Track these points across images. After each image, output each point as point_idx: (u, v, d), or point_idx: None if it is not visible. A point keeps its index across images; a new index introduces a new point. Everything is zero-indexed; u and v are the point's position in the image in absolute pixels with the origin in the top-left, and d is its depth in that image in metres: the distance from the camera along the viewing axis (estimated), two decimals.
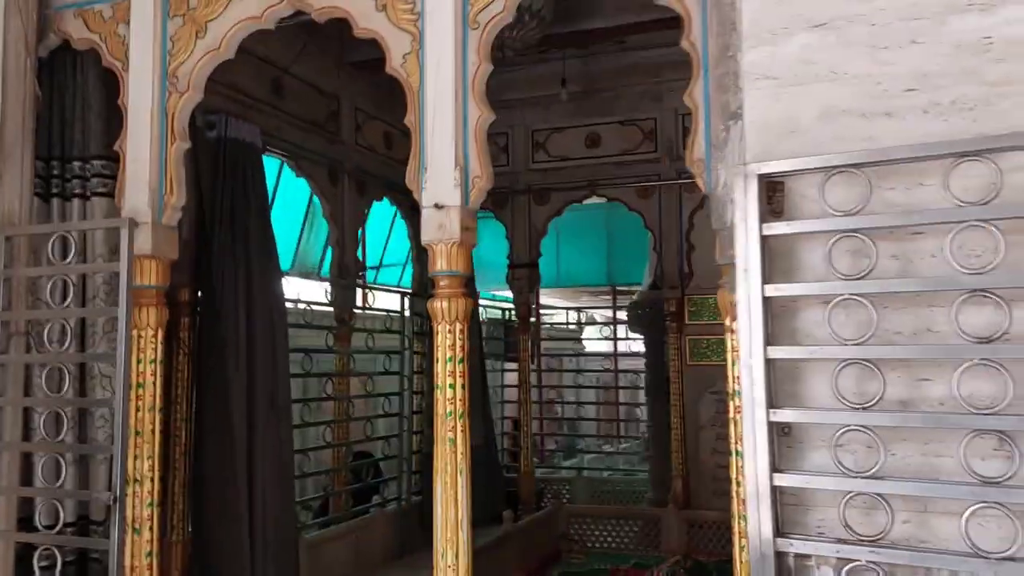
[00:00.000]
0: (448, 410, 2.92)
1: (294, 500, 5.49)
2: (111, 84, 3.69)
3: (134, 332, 3.30)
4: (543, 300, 9.80)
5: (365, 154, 7.02)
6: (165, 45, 3.40)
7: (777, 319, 2.32)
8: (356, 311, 6.75)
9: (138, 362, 3.26)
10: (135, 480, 3.21)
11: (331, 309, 6.54)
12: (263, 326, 5.02)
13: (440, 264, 2.95)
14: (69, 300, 3.30)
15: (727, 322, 2.58)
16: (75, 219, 3.65)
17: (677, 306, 7.02)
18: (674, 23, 6.18)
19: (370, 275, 7.15)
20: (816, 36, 2.33)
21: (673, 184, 7.10)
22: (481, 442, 7.42)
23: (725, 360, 6.86)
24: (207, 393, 4.78)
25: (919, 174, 2.20)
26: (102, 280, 3.57)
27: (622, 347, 11.79)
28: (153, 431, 3.29)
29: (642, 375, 10.75)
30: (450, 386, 2.91)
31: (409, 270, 10.58)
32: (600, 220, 12.21)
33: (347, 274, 6.74)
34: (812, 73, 2.33)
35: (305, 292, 8.01)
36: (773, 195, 2.34)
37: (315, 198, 7.36)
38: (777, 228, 2.26)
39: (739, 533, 2.52)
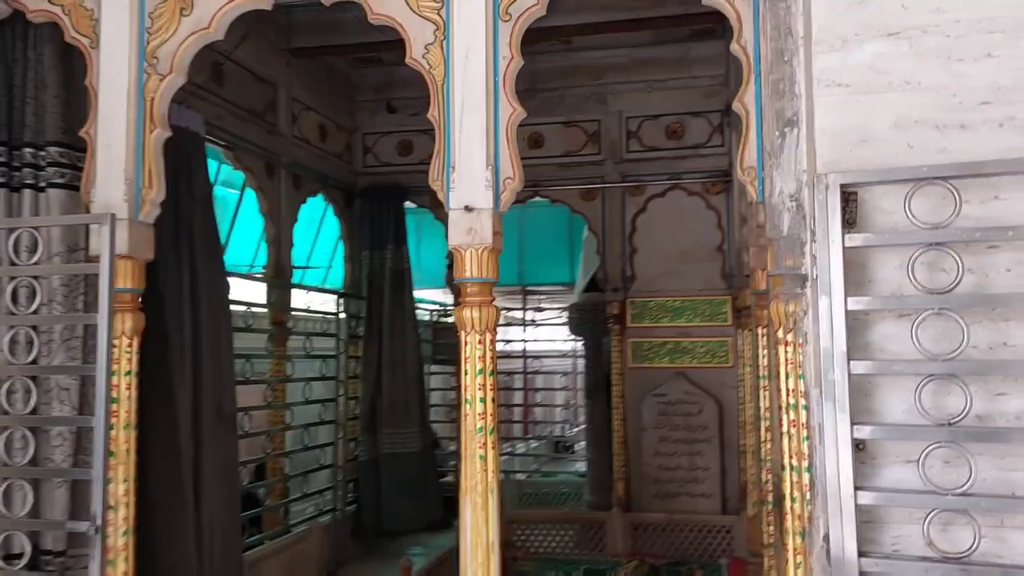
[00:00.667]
0: (479, 425, 2.73)
1: (240, 516, 5.13)
2: (70, 62, 3.30)
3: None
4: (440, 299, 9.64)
5: (302, 147, 6.67)
6: (143, 21, 3.04)
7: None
8: (296, 314, 6.40)
9: (112, 374, 2.90)
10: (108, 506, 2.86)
11: (266, 310, 6.17)
12: (209, 328, 4.65)
13: (469, 270, 2.76)
14: (36, 305, 2.89)
15: (780, 333, 2.52)
16: (26, 212, 3.23)
17: (620, 309, 7.02)
18: (623, 26, 6.25)
19: (295, 275, 6.77)
20: (889, 45, 2.30)
21: (617, 187, 7.10)
22: (419, 448, 7.22)
23: (671, 363, 6.83)
24: (152, 403, 4.36)
25: (994, 188, 2.20)
26: (60, 283, 3.17)
27: (551, 347, 11.80)
28: (128, 451, 2.95)
29: (570, 375, 10.84)
30: (480, 399, 2.73)
31: (336, 271, 10.21)
32: (513, 221, 12.15)
33: (283, 274, 6.38)
34: (885, 82, 2.30)
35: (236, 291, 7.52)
36: (845, 205, 2.29)
37: (247, 191, 6.96)
38: (858, 240, 2.21)
39: (794, 550, 2.46)
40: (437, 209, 7.47)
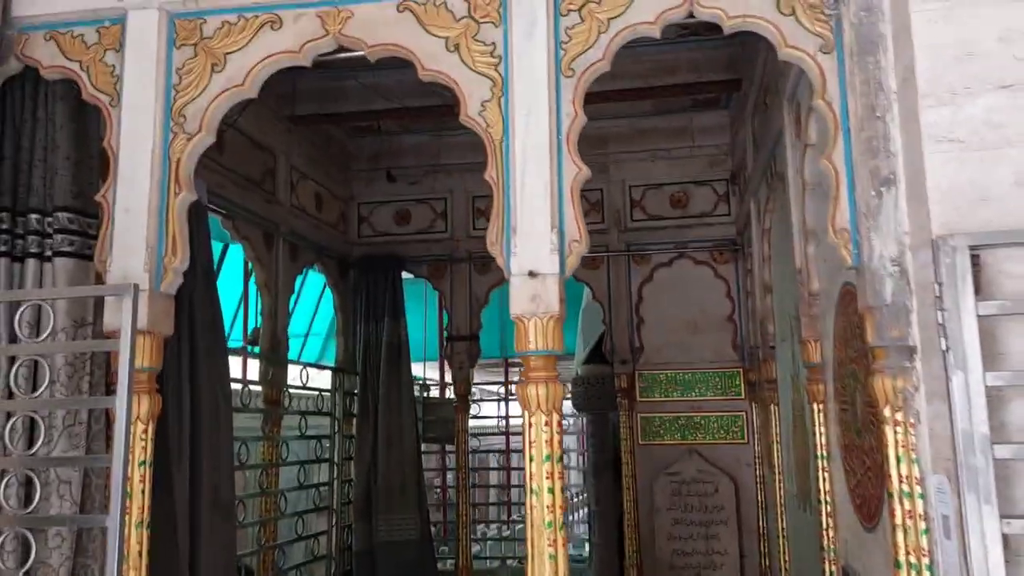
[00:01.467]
0: (547, 520, 2.43)
1: None
2: (83, 122, 3.04)
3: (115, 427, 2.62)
4: (424, 373, 9.25)
5: (299, 216, 6.42)
6: (170, 78, 2.81)
7: None
8: (292, 391, 6.04)
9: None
10: None
11: (260, 388, 5.80)
12: (209, 410, 4.31)
13: (533, 341, 2.50)
14: (43, 388, 2.55)
15: (887, 412, 2.28)
16: (29, 284, 2.91)
17: (628, 382, 6.76)
18: (628, 94, 6.18)
19: (292, 351, 6.44)
20: (1004, 98, 2.15)
21: (621, 255, 6.93)
22: (417, 536, 6.79)
23: (683, 440, 6.54)
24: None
25: None
26: (64, 362, 2.84)
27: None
28: (140, 553, 2.59)
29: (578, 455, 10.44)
30: (548, 490, 2.44)
31: (317, 344, 9.83)
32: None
33: (279, 348, 6.04)
34: (1002, 137, 2.14)
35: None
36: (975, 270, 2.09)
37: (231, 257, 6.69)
38: (992, 308, 2.00)
39: None
40: (436, 279, 7.33)
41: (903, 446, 2.25)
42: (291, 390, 6.02)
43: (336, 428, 6.62)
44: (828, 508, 3.47)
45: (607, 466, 7.13)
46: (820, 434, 3.54)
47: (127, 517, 2.55)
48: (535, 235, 2.54)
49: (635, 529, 6.56)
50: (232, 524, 4.67)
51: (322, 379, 6.78)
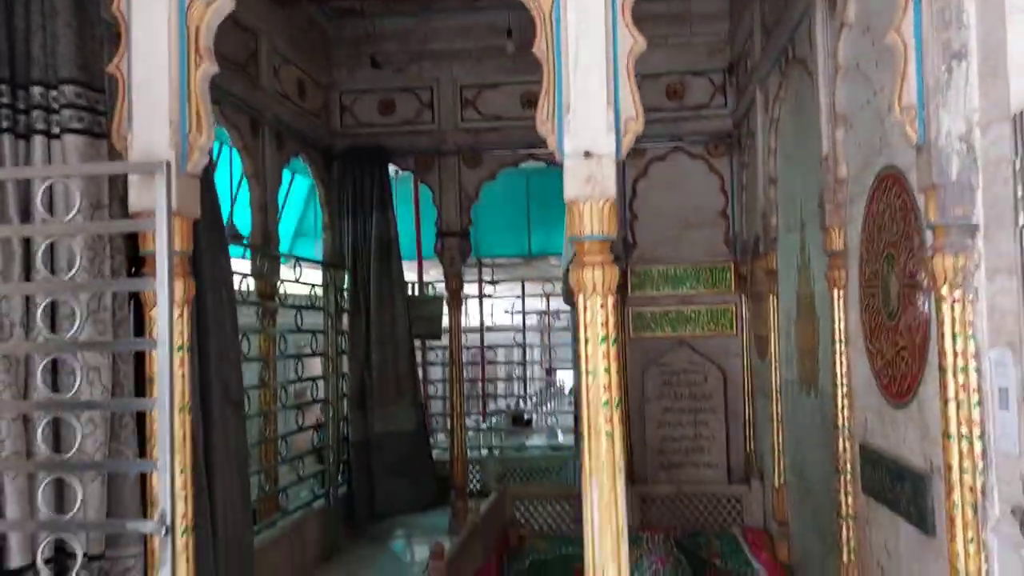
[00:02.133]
0: (603, 399, 2.42)
1: (250, 502, 4.71)
2: None
3: (151, 314, 2.53)
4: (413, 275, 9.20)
5: (283, 103, 6.16)
6: None
7: None
8: (286, 285, 5.93)
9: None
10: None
11: (253, 282, 5.68)
12: (214, 307, 4.20)
13: (588, 226, 2.43)
14: (75, 270, 2.42)
15: (944, 290, 2.28)
16: (38, 162, 2.73)
17: (620, 277, 6.74)
18: None
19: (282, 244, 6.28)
20: None
21: None
22: (412, 427, 6.86)
23: (667, 332, 6.57)
24: None
25: None
26: (84, 245, 2.70)
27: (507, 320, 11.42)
28: (184, 437, 2.54)
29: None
30: (604, 370, 2.42)
31: (308, 245, 9.64)
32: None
33: (271, 242, 5.90)
34: None
35: None
36: None
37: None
38: None
39: (963, 524, 2.25)
40: (424, 173, 7.15)
41: (960, 323, 2.26)
42: (285, 284, 5.91)
43: (330, 323, 6.55)
44: (844, 390, 3.54)
45: None
46: (839, 320, 3.57)
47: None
48: (591, 113, 2.43)
49: (626, 418, 6.70)
50: (242, 416, 4.64)
51: (315, 277, 6.67)
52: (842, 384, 3.56)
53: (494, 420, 11.98)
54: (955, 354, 2.28)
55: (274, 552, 5.28)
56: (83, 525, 2.49)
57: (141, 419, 2.90)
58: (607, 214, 2.43)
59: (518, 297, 10.42)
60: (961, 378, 2.27)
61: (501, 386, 13.18)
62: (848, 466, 3.50)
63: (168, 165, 2.37)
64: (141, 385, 2.73)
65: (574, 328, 8.31)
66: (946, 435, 2.29)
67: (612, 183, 2.43)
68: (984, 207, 2.23)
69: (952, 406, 2.28)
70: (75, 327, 2.41)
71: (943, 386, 2.30)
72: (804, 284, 4.46)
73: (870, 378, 3.24)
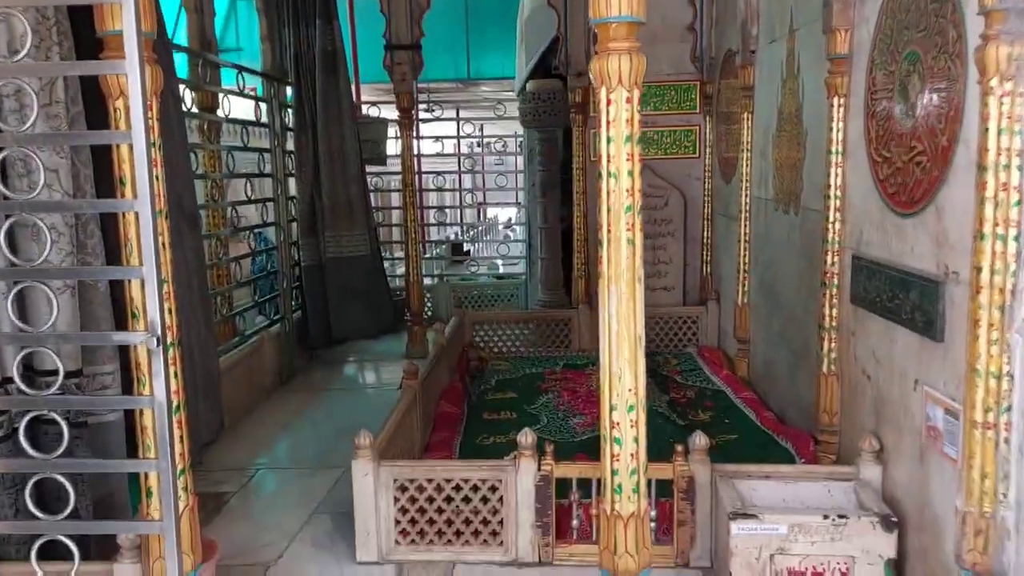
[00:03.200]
0: (626, 203, 2.27)
1: (213, 322, 4.53)
2: None
3: (116, 105, 2.21)
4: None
5: None
6: None
7: None
8: (229, 100, 5.47)
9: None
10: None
11: (192, 94, 5.21)
12: (160, 116, 3.81)
13: (616, 5, 2.17)
14: (23, 53, 2.05)
15: (993, 83, 2.15)
16: None
17: (583, 96, 6.49)
18: None
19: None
20: None
21: None
22: (367, 252, 6.67)
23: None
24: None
25: None
26: (28, 28, 2.30)
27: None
28: (164, 244, 2.30)
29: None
30: (628, 172, 2.25)
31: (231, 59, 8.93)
32: None
33: (209, 48, 5.38)
34: None
35: None
36: None
37: None
38: None
39: (989, 324, 2.23)
40: None
41: (1008, 117, 2.15)
42: (228, 97, 5.45)
43: (276, 142, 6.14)
44: (837, 203, 3.48)
45: (555, 184, 7.05)
46: (837, 129, 3.45)
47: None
48: None
49: (584, 244, 6.64)
50: (199, 233, 4.38)
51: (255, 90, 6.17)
52: (835, 197, 3.49)
53: (437, 250, 11.90)
54: (999, 151, 2.18)
55: (232, 376, 5.16)
56: (64, 337, 2.27)
57: (107, 232, 2.64)
58: None
59: (452, 122, 9.98)
60: (1003, 176, 2.18)
61: (434, 216, 12.95)
62: (835, 279, 3.50)
63: None
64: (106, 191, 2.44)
65: (529, 154, 8.08)
66: (979, 236, 2.23)
67: None
68: None
69: (989, 206, 2.21)
70: (30, 121, 2.09)
71: (980, 186, 2.22)
72: (789, 97, 4.30)
73: (871, 189, 3.16)
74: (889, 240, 3.00)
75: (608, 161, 2.26)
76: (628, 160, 2.25)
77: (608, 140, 2.26)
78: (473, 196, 13.87)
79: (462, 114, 10.38)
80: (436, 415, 4.76)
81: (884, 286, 3.00)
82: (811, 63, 3.94)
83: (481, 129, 10.31)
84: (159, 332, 2.07)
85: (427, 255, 10.80)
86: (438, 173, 9.28)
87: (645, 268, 6.58)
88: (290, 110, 6.40)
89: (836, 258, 3.50)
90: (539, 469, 3.18)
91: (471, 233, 15.24)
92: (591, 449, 4.09)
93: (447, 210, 12.88)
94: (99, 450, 2.66)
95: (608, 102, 2.24)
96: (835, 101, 3.46)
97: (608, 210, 2.29)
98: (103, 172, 2.50)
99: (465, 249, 14.09)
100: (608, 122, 2.25)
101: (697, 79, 6.48)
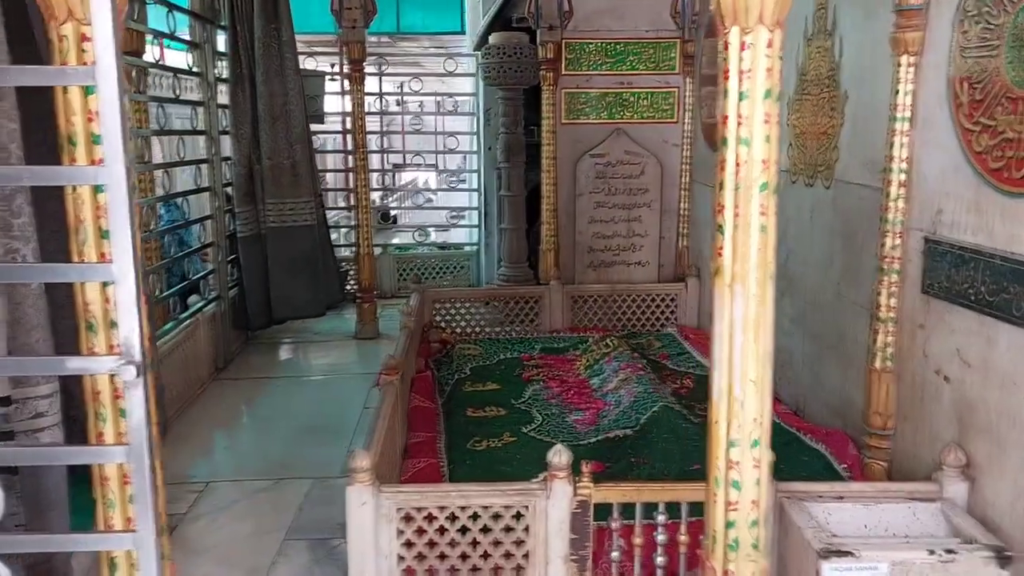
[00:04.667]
0: (760, 180, 1.74)
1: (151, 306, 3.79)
2: None
3: (62, 32, 1.54)
4: None
5: None
6: None
7: None
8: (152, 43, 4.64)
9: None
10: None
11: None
12: None
13: None
14: None
15: None
16: None
17: (555, 51, 5.90)
18: None
19: None
20: None
21: None
22: (312, 221, 5.97)
23: (610, 119, 6.12)
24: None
25: None
26: None
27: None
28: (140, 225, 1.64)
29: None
30: (765, 138, 1.72)
31: None
32: None
33: None
34: None
35: None
36: None
37: None
38: None
39: None
40: None
41: None
42: (152, 40, 4.62)
43: (209, 94, 5.33)
44: (901, 177, 3.05)
45: (519, 148, 6.46)
46: (905, 93, 3.00)
47: None
48: None
49: (554, 213, 6.10)
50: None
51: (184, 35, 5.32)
52: (899, 171, 3.05)
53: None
54: None
55: (165, 367, 4.43)
56: None
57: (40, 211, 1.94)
58: None
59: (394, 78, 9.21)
60: None
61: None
62: (896, 264, 3.08)
63: None
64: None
65: (486, 114, 7.45)
66: None
67: None
68: None
69: None
70: None
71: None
72: (817, 57, 3.85)
73: (958, 162, 2.73)
74: (990, 223, 2.58)
75: (738, 124, 1.72)
76: (766, 122, 1.71)
77: (740, 96, 1.71)
78: (405, 158, 13.09)
79: (392, 70, 9.61)
80: (409, 411, 4.19)
81: (983, 276, 2.59)
82: (858, 19, 3.48)
83: (402, 88, 9.58)
84: (136, 356, 1.43)
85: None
86: (377, 133, 8.53)
87: (617, 241, 6.10)
88: (223, 60, 5.59)
89: (898, 240, 3.08)
90: (576, 493, 2.66)
91: (394, 197, 14.46)
92: (604, 455, 3.64)
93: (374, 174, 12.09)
94: (31, 496, 1.98)
95: (742, 46, 1.69)
96: (903, 60, 3.01)
97: (736, 188, 1.75)
98: (29, 127, 1.81)
99: (392, 216, 13.33)
100: (740, 72, 1.70)
101: (677, 37, 5.98)
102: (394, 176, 15.75)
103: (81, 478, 1.80)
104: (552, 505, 2.69)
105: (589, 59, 6.02)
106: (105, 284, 1.55)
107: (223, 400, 4.95)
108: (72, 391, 2.03)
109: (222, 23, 5.56)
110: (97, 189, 1.52)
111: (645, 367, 4.49)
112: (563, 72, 6.00)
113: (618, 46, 6.00)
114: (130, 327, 1.43)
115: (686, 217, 6.09)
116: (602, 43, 5.99)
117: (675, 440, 3.49)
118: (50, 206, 1.77)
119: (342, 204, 8.88)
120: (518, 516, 2.72)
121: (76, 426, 1.98)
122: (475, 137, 8.18)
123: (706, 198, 5.66)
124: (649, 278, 6.21)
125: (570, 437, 3.87)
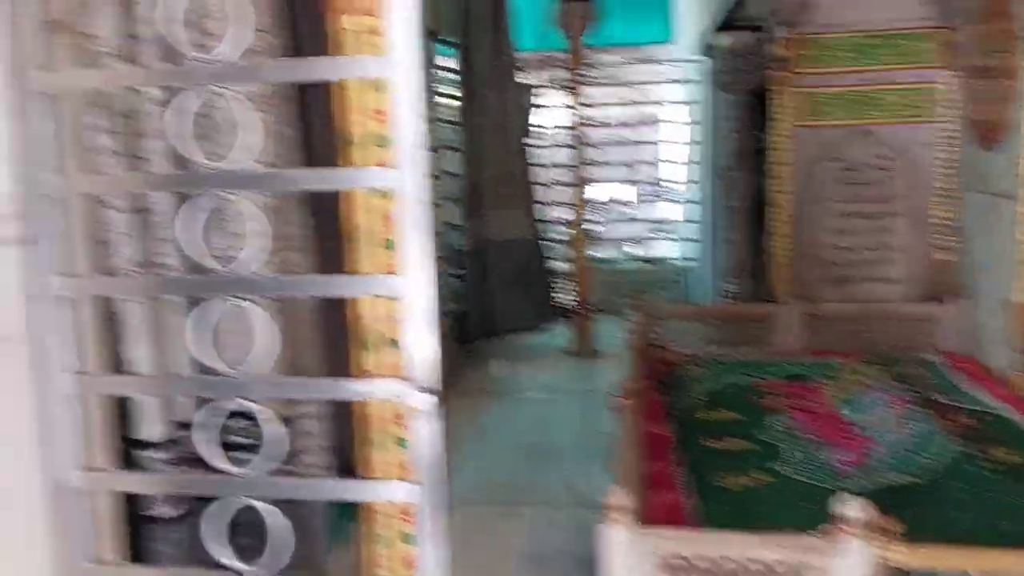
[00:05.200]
0: None
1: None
2: None
3: (344, 24, 1.40)
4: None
5: None
6: None
7: None
8: None
9: None
10: None
11: None
12: None
13: None
14: None
15: None
16: None
17: (791, 49, 5.41)
18: None
19: None
20: None
21: None
22: (530, 234, 5.85)
23: (854, 120, 5.25)
24: None
25: None
26: None
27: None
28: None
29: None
30: None
31: None
32: None
33: None
34: None
35: None
36: None
37: None
38: None
39: None
40: None
41: None
42: None
43: (433, 109, 5.36)
44: None
45: (750, 155, 6.02)
46: None
47: None
48: None
49: (787, 224, 5.60)
50: None
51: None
52: None
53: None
54: None
55: None
56: (280, 384, 1.49)
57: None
58: None
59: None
60: None
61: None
62: None
63: None
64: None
65: (714, 122, 7.04)
66: None
67: None
68: None
69: None
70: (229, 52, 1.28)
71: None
72: None
73: None
74: None
75: None
76: None
77: None
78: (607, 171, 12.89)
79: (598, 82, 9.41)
80: (640, 436, 3.89)
81: None
82: None
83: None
84: (431, 382, 1.26)
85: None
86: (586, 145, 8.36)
87: (862, 254, 5.48)
88: (446, 73, 5.61)
89: None
90: (885, 559, 2.25)
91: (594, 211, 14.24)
92: (887, 503, 3.13)
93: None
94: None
95: None
96: None
97: None
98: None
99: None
100: None
101: (933, 26, 5.30)
102: (592, 188, 15.58)
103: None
104: (839, 566, 2.30)
105: (829, 55, 5.48)
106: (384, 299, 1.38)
107: (451, 418, 4.89)
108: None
109: (443, 38, 5.59)
110: (384, 194, 1.36)
111: (919, 401, 3.92)
112: (799, 71, 5.50)
113: (864, 39, 5.42)
114: (424, 350, 1.26)
115: (945, 227, 5.37)
116: (845, 37, 5.43)
117: (973, 493, 2.95)
118: (321, 217, 1.66)
119: (556, 217, 8.81)
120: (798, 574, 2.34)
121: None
122: (690, 147, 7.80)
123: (977, 206, 4.95)
124: (897, 295, 5.54)
125: (830, 479, 3.40)
